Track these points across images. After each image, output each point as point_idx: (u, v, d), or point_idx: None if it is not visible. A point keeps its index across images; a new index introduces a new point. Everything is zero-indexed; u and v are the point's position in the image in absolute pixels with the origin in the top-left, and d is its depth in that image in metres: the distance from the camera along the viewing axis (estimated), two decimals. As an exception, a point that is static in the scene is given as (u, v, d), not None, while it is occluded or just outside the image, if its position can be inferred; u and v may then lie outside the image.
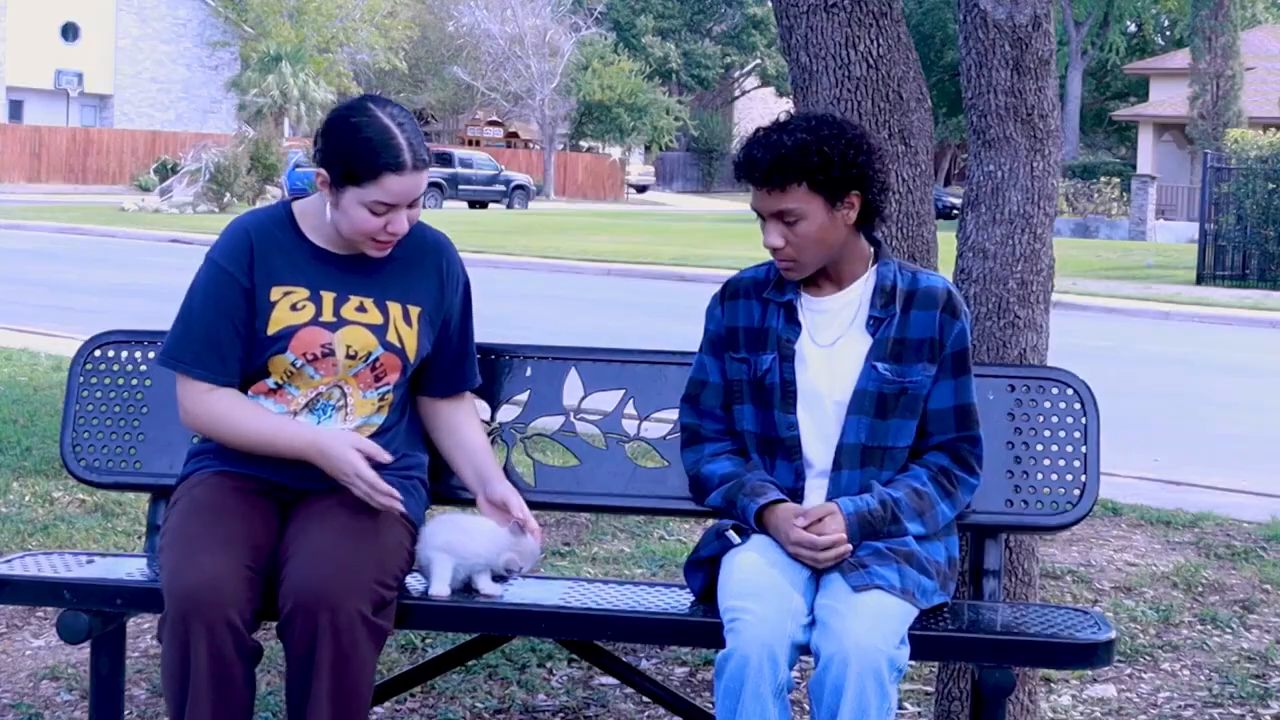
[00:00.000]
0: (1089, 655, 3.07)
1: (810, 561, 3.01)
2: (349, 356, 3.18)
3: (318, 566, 2.95)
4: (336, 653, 2.90)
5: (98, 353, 3.69)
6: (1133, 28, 57.83)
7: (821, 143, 3.04)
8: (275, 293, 3.19)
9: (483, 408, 3.55)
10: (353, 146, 3.10)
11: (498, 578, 3.20)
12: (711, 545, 3.16)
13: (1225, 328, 19.03)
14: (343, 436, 3.13)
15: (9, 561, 3.33)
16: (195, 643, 2.89)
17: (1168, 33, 58.70)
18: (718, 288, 3.29)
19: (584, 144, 65.32)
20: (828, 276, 3.18)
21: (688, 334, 3.52)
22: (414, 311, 3.26)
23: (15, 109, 51.52)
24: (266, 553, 3.06)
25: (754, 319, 3.19)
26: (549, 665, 4.48)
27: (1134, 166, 42.89)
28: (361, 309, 3.21)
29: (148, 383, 3.64)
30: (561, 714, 4.16)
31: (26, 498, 6.28)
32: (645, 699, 4.14)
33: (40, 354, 10.86)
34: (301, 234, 3.24)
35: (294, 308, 3.18)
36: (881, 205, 3.15)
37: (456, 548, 3.15)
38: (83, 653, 4.00)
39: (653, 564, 5.63)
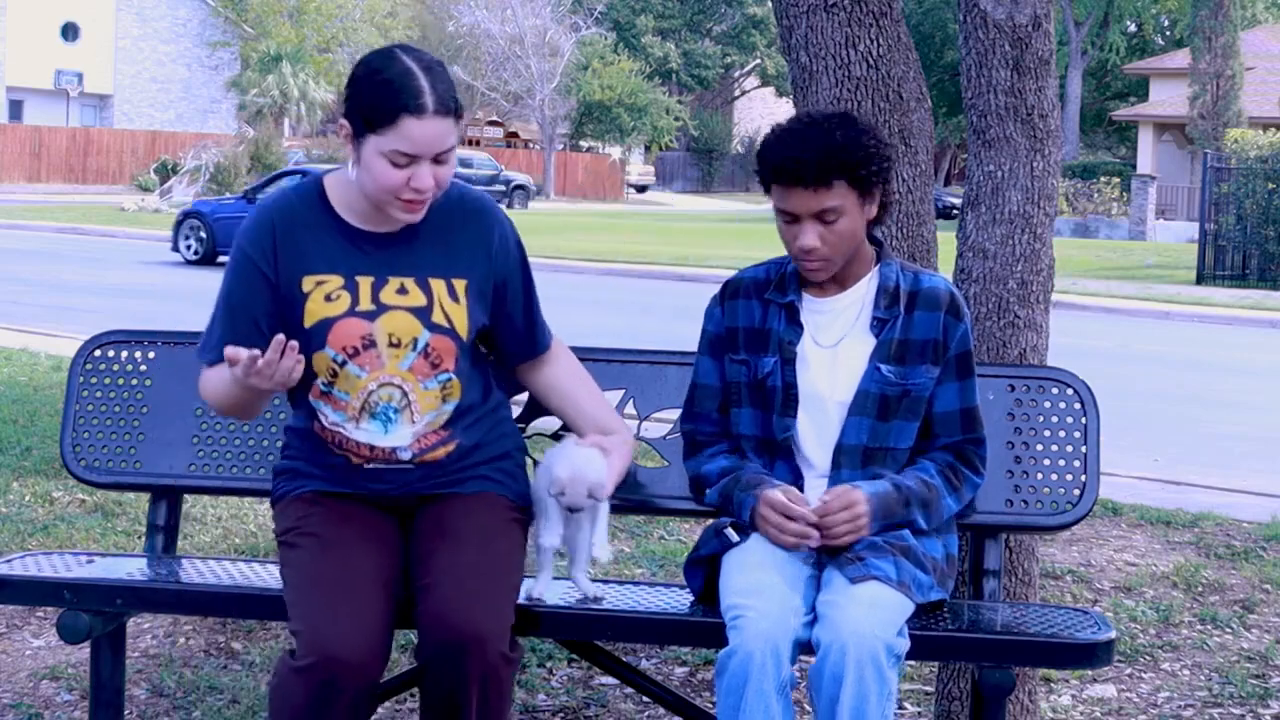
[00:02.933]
0: (1089, 655, 3.07)
1: (798, 539, 2.98)
2: (392, 345, 2.97)
3: (458, 611, 2.83)
4: (483, 696, 2.82)
5: (98, 353, 3.69)
6: (1133, 28, 57.84)
7: (860, 136, 3.03)
8: (307, 283, 2.98)
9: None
10: (371, 90, 2.89)
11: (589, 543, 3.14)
12: (711, 544, 3.15)
13: (1225, 328, 19.04)
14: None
15: (9, 561, 3.33)
16: (334, 703, 2.78)
17: (1168, 33, 58.70)
18: (718, 287, 3.28)
19: (584, 144, 65.32)
20: (832, 277, 3.16)
21: (688, 334, 3.51)
22: (459, 285, 3.03)
23: (15, 109, 51.53)
24: (397, 580, 2.96)
25: (754, 320, 3.18)
26: (549, 665, 4.48)
27: (1134, 166, 42.89)
28: (403, 290, 2.99)
29: (148, 383, 3.64)
30: (561, 714, 4.16)
31: (26, 498, 6.28)
32: (645, 699, 4.14)
33: (40, 354, 10.87)
34: (333, 211, 3.03)
35: (328, 298, 2.98)
36: (892, 203, 3.16)
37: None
38: (83, 653, 4.00)
39: (653, 564, 5.63)
